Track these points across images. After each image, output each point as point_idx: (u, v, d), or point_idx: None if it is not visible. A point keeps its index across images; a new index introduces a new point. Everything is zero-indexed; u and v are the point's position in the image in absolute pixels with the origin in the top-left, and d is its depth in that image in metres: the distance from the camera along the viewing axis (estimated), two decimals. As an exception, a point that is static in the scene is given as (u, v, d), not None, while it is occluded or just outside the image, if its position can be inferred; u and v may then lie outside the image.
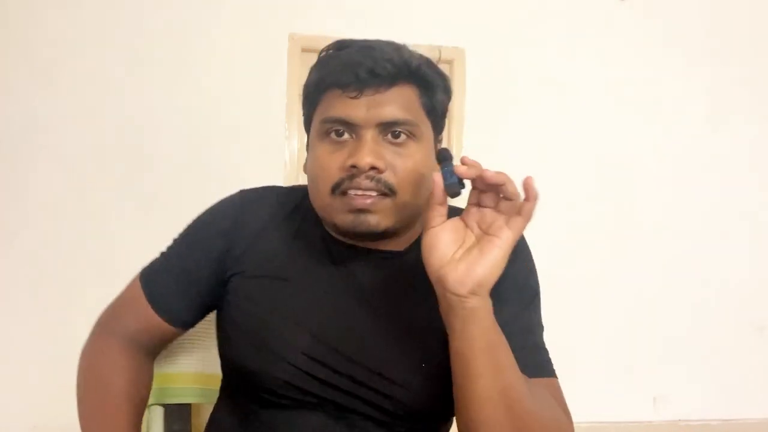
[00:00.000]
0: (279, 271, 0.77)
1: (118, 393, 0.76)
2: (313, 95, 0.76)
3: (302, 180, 0.81)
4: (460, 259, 0.61)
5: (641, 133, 3.12)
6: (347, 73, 0.70)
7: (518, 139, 3.02)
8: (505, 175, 0.61)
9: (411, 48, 0.75)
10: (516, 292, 0.75)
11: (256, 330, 0.75)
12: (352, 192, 0.70)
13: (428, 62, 0.76)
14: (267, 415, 0.74)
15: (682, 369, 3.06)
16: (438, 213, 0.62)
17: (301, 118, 0.83)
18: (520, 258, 0.76)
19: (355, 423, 0.71)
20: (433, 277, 0.62)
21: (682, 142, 3.15)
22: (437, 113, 0.77)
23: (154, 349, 0.86)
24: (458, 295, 0.60)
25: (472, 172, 0.60)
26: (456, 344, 0.62)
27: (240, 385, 0.78)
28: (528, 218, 0.61)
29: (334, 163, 0.71)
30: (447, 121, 2.58)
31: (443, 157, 0.64)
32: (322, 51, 0.77)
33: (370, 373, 0.71)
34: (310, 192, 0.78)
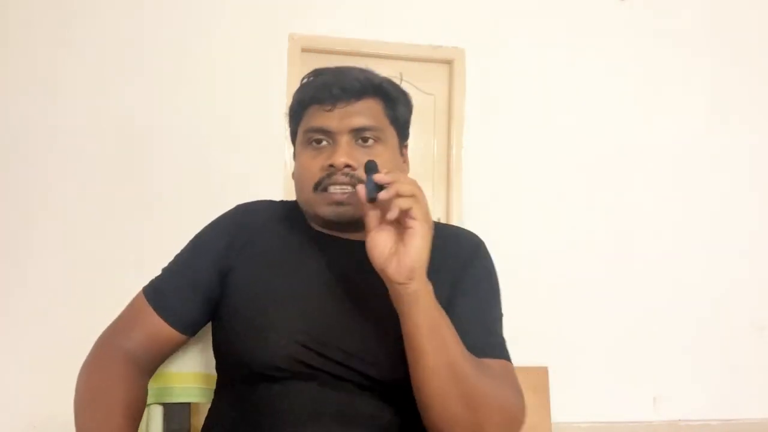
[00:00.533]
0: (274, 260, 0.87)
1: (118, 407, 0.78)
2: (296, 113, 0.91)
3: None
4: (394, 253, 0.71)
5: (641, 133, 3.13)
6: (323, 92, 0.85)
7: (518, 139, 3.02)
8: (391, 177, 0.70)
9: (375, 71, 0.91)
10: (476, 288, 0.86)
11: (254, 310, 0.82)
12: (331, 188, 0.83)
13: (390, 81, 0.91)
14: (263, 390, 0.79)
15: (682, 369, 3.06)
16: (372, 218, 0.73)
17: None
18: (480, 263, 0.89)
19: (347, 390, 0.78)
20: (379, 273, 0.72)
21: (681, 142, 3.15)
22: (400, 123, 0.91)
23: (154, 364, 0.89)
24: (399, 283, 0.70)
25: (388, 178, 0.70)
26: (404, 326, 0.72)
27: (235, 368, 0.83)
28: (417, 202, 0.69)
29: (316, 165, 0.85)
30: (447, 120, 2.65)
31: (369, 168, 0.75)
32: (303, 78, 0.91)
33: (358, 345, 0.79)
34: (296, 192, 0.90)
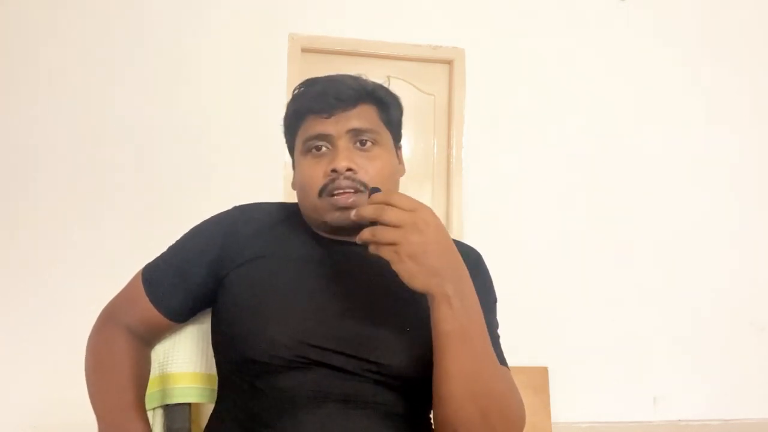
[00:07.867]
0: (276, 258, 0.89)
1: (125, 373, 0.87)
2: (293, 124, 0.93)
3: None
4: None
5: (640, 133, 3.13)
6: (319, 101, 0.88)
7: (518, 139, 3.02)
8: (376, 210, 0.71)
9: (366, 77, 0.94)
10: (482, 298, 0.88)
11: (257, 304, 0.83)
12: (335, 192, 0.85)
13: (381, 86, 0.94)
14: (266, 380, 0.80)
15: (682, 369, 3.07)
16: None
17: None
18: (483, 276, 0.93)
19: (349, 379, 0.80)
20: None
21: (680, 142, 3.15)
22: (393, 125, 0.95)
23: (151, 339, 0.95)
24: (417, 291, 0.71)
25: (371, 213, 0.72)
26: (432, 329, 0.73)
27: (238, 361, 0.83)
28: (395, 248, 0.70)
29: (319, 171, 0.87)
30: (447, 120, 2.67)
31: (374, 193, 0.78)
32: (295, 89, 0.94)
33: (361, 337, 0.81)
34: (299, 200, 0.92)
